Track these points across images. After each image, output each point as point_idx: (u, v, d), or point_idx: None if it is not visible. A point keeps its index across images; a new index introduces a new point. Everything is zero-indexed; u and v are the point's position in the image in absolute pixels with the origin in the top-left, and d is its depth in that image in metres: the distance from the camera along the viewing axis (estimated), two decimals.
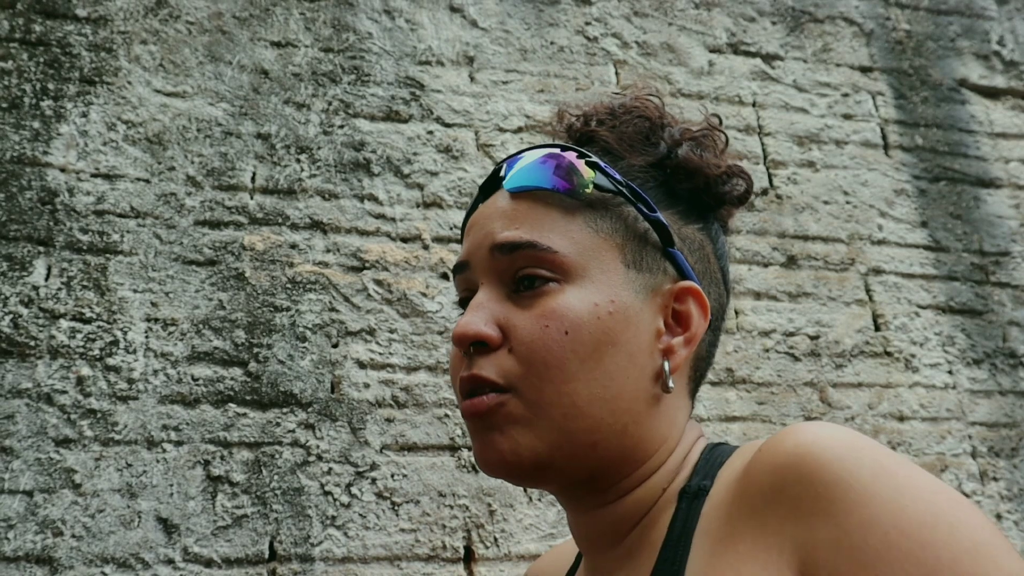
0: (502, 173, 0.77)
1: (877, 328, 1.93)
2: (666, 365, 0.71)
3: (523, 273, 0.71)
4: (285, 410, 1.52)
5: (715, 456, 0.71)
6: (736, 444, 0.74)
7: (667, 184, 0.77)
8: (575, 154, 0.74)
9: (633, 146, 0.77)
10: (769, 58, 2.15)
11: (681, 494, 0.69)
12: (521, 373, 0.69)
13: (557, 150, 0.75)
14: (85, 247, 1.54)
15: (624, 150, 0.77)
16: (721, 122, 0.82)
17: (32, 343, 1.45)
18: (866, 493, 0.55)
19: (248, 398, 1.51)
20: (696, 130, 0.79)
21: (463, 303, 0.77)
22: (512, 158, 0.78)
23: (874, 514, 0.55)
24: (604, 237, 0.72)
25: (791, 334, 1.86)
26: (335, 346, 1.59)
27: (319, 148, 1.73)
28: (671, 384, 0.71)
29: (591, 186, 0.73)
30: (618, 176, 0.74)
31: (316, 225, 1.67)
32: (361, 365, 1.58)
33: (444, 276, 1.70)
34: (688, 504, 0.68)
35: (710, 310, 0.75)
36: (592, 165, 0.73)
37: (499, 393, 0.69)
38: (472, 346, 0.71)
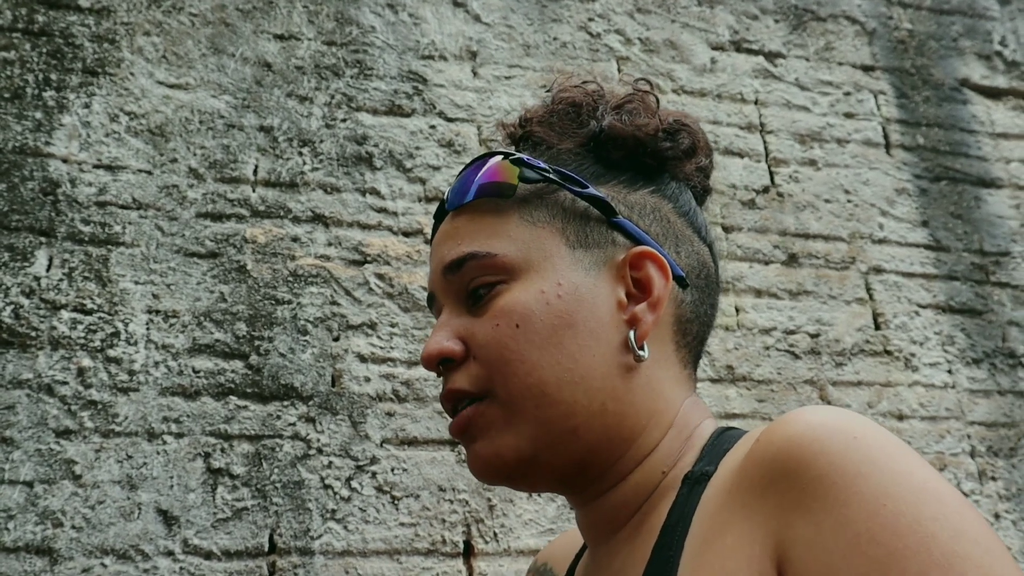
0: (445, 197, 0.79)
1: (877, 327, 1.94)
2: (631, 334, 0.71)
3: (474, 285, 0.72)
4: (286, 403, 1.51)
5: (723, 441, 0.70)
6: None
7: (603, 158, 0.78)
8: (500, 156, 0.75)
9: (564, 132, 0.78)
10: (771, 56, 2.15)
11: (684, 479, 0.68)
12: (487, 375, 0.70)
13: (485, 159, 0.76)
14: (87, 238, 1.54)
15: (554, 139, 0.78)
16: (651, 86, 0.82)
17: (33, 334, 1.45)
18: (847, 491, 0.53)
19: (249, 391, 1.51)
20: (620, 99, 0.79)
21: None
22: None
23: (850, 515, 0.52)
24: (542, 226, 0.73)
25: (791, 332, 1.87)
26: (336, 340, 1.59)
27: (321, 141, 1.73)
28: (641, 352, 0.70)
29: (517, 182, 0.74)
30: (542, 164, 0.74)
31: (318, 218, 1.67)
32: (362, 359, 1.58)
33: None
34: (690, 490, 0.66)
35: (681, 267, 0.75)
36: (516, 162, 0.74)
37: (476, 403, 0.71)
38: (441, 365, 0.73)
